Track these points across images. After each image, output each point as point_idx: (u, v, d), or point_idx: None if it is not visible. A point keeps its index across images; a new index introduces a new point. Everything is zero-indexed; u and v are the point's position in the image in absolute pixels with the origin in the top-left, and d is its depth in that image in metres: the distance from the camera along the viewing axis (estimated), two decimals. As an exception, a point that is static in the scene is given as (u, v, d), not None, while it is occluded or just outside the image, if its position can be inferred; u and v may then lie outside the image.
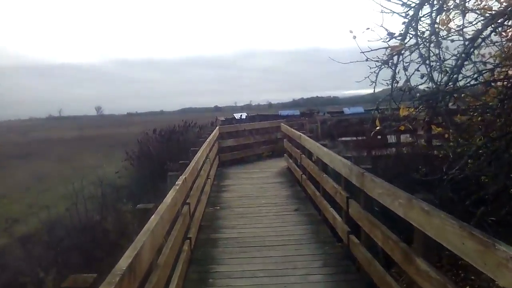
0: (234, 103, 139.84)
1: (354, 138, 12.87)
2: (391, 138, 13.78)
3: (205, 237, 6.08)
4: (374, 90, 6.08)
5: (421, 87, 5.78)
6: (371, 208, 4.29)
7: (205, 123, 17.57)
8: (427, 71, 5.42)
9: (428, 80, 5.15)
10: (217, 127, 12.36)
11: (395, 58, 6.03)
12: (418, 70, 4.98)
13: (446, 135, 9.37)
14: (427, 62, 5.34)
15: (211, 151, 9.58)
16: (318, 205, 7.01)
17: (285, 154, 11.71)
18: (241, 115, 18.93)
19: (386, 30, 5.47)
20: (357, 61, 5.90)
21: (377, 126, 5.78)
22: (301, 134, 8.32)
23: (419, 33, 5.62)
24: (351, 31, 5.58)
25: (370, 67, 6.01)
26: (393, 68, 5.99)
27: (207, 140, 8.32)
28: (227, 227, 6.56)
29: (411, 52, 5.58)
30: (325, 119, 13.07)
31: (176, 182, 4.26)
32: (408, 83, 4.99)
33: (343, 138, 12.51)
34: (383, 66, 5.84)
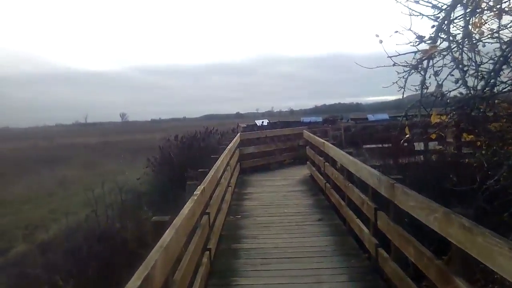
0: (255, 110, 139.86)
1: (380, 146, 12.52)
2: (419, 146, 13.39)
3: (225, 248, 5.88)
4: (402, 96, 5.85)
5: (453, 92, 5.50)
6: (401, 221, 4.03)
7: (227, 130, 17.48)
8: (461, 75, 5.14)
9: (461, 85, 4.87)
10: (238, 134, 12.20)
11: (425, 62, 5.77)
12: (452, 75, 4.70)
13: (479, 143, 8.99)
14: (460, 66, 5.06)
15: (231, 159, 9.42)
16: (343, 215, 6.74)
17: (307, 162, 11.46)
18: (262, 122, 18.75)
19: (415, 33, 5.24)
20: (384, 66, 5.68)
21: (406, 134, 5.52)
22: (325, 141, 8.08)
23: (451, 37, 5.34)
24: (377, 35, 5.36)
25: (398, 72, 5.79)
26: (422, 73, 5.75)
27: (228, 147, 8.15)
28: (249, 237, 6.35)
29: (443, 56, 5.31)
30: (349, 125, 12.77)
31: (194, 192, 4.08)
32: (440, 89, 4.71)
33: (368, 146, 12.18)
34: (412, 71, 5.60)
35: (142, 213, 8.68)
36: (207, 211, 4.83)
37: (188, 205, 3.53)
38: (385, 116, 24.04)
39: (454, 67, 5.27)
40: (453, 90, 4.99)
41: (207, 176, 5.04)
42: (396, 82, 5.70)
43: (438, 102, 5.43)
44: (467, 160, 8.86)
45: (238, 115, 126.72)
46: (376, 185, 4.54)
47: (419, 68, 5.80)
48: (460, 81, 4.62)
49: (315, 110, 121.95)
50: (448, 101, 5.39)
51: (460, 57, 5.04)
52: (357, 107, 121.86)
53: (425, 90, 5.66)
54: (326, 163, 8.23)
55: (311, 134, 10.13)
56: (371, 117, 23.88)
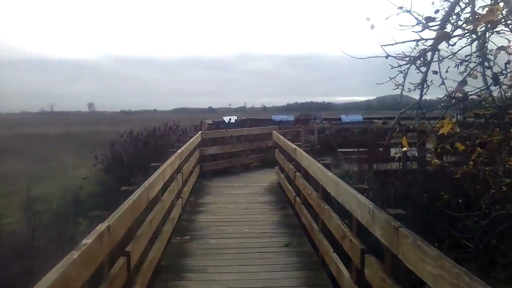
0: (228, 105, 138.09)
1: (356, 150, 11.32)
2: (398, 151, 12.26)
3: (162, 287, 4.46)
4: (401, 96, 4.59)
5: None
6: (406, 282, 2.71)
7: (193, 125, 15.88)
8: (481, 72, 3.87)
9: (487, 87, 3.60)
10: (199, 133, 10.74)
11: (429, 54, 4.51)
12: (479, 71, 3.41)
13: (474, 155, 7.86)
14: (486, 63, 3.79)
15: (187, 162, 7.96)
16: (315, 241, 5.42)
17: (276, 167, 10.11)
18: (230, 119, 17.30)
19: (416, 19, 3.96)
20: (378, 56, 4.48)
21: (404, 147, 4.21)
22: (296, 147, 6.73)
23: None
24: (368, 19, 4.03)
25: (392, 67, 4.55)
26: (420, 69, 4.51)
27: (179, 150, 6.69)
28: (194, 270, 4.92)
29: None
30: (323, 127, 11.50)
31: (97, 229, 2.64)
32: (462, 89, 3.41)
33: (343, 150, 10.95)
34: (416, 62, 4.35)
35: (71, 226, 7.12)
36: (127, 249, 3.39)
37: (86, 250, 2.10)
38: (358, 117, 23.03)
39: (471, 61, 4.03)
40: (475, 92, 3.71)
41: (131, 198, 3.58)
42: (394, 77, 4.47)
43: (444, 106, 4.23)
44: (457, 174, 7.72)
45: (210, 110, 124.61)
46: (367, 222, 3.21)
47: (419, 62, 4.56)
48: (490, 80, 3.33)
49: (288, 108, 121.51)
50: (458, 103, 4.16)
51: (485, 49, 3.78)
52: (328, 107, 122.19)
53: (426, 89, 4.47)
54: (297, 173, 6.89)
55: (281, 137, 8.78)
56: (344, 118, 22.74)
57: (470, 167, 7.26)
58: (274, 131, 10.06)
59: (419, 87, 4.59)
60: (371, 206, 3.15)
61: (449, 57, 4.90)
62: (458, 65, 4.32)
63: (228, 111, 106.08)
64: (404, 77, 4.62)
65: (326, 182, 4.57)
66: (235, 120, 17.06)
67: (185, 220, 6.90)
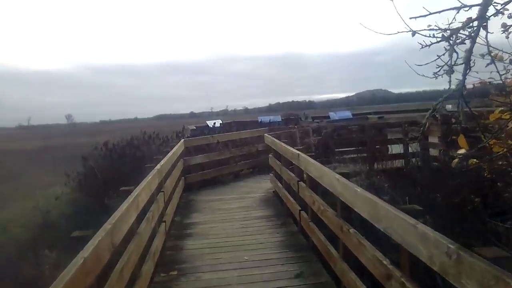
0: (210, 109, 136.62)
1: (356, 149, 10.27)
2: (396, 148, 11.28)
3: None
4: (449, 84, 3.56)
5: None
6: None
7: (174, 132, 14.57)
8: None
9: None
10: (182, 141, 9.56)
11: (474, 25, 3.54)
12: None
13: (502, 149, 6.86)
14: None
15: (169, 176, 6.79)
16: (334, 271, 4.32)
17: (271, 173, 8.99)
18: (214, 123, 16.09)
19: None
20: (403, 31, 3.46)
21: (462, 147, 3.15)
22: (300, 152, 5.61)
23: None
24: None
25: (422, 45, 3.54)
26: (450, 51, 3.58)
27: (158, 166, 5.48)
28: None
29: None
30: (319, 127, 10.43)
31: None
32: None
33: (343, 149, 9.91)
34: (449, 40, 3.39)
35: (32, 264, 5.89)
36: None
37: None
38: (347, 113, 22.05)
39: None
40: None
41: (71, 265, 2.40)
42: (439, 57, 3.47)
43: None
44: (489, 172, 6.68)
45: (192, 115, 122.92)
46: (443, 267, 2.10)
47: (464, 38, 3.59)
48: None
49: (270, 108, 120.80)
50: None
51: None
52: (309, 105, 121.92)
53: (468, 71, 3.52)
54: (301, 183, 5.78)
55: (276, 140, 7.65)
56: (333, 115, 21.68)
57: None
58: (266, 134, 8.95)
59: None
60: (452, 247, 2.04)
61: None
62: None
63: (211, 115, 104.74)
64: (450, 56, 3.59)
65: (353, 200, 3.46)
66: (220, 124, 15.88)
67: (171, 248, 5.72)
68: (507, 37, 3.88)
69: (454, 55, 3.89)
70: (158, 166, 5.39)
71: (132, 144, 12.02)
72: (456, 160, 3.75)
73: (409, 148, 10.87)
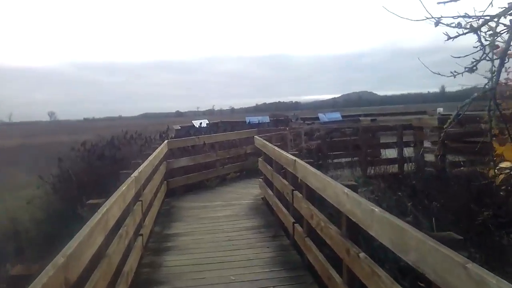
0: (196, 108, 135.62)
1: (347, 153, 9.72)
2: (391, 152, 10.75)
3: None
4: (492, 81, 3.03)
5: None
6: None
7: (158, 133, 13.83)
8: None
9: None
10: (165, 142, 8.89)
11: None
12: None
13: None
14: None
15: (150, 182, 6.13)
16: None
17: (260, 179, 8.38)
18: (201, 123, 15.45)
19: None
20: (429, 18, 2.87)
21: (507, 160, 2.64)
22: (296, 159, 5.00)
23: None
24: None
25: (449, 36, 3.00)
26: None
27: (135, 173, 4.80)
28: None
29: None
30: (312, 129, 9.86)
31: None
32: None
33: (337, 152, 9.35)
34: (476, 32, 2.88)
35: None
36: None
37: None
38: (337, 115, 21.61)
39: None
40: None
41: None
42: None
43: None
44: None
45: (178, 114, 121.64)
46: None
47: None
48: None
49: (256, 109, 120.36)
50: None
51: None
52: (296, 106, 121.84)
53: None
54: (297, 193, 5.18)
55: (268, 144, 7.02)
56: (323, 116, 21.19)
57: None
58: (256, 136, 8.33)
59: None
60: None
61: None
62: None
63: (197, 114, 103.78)
64: (483, 50, 3.07)
65: (368, 222, 2.85)
66: (207, 124, 15.24)
67: (148, 265, 5.06)
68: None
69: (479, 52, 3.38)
70: (135, 173, 4.73)
71: (113, 145, 11.31)
72: (502, 175, 3.19)
73: (404, 153, 10.38)
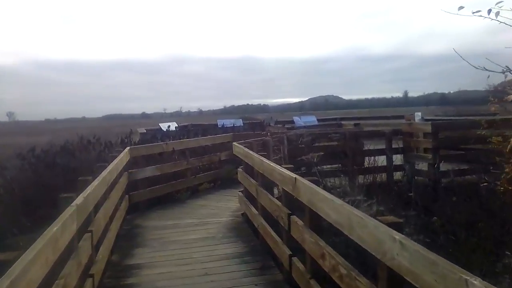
0: (163, 110, 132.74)
1: (337, 164, 8.68)
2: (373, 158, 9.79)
3: None
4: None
5: None
6: None
7: (120, 138, 12.28)
8: None
9: None
10: (127, 149, 7.57)
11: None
12: None
13: None
14: None
15: (105, 201, 4.84)
16: None
17: (239, 192, 7.20)
18: (169, 126, 14.10)
19: None
20: None
21: None
22: (296, 177, 3.83)
23: None
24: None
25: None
26: None
27: (79, 199, 3.45)
28: None
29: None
30: (296, 133, 8.73)
31: None
32: None
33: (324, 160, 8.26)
34: None
35: None
36: None
37: None
38: (313, 119, 20.63)
39: None
40: None
41: None
42: None
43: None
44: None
45: (144, 115, 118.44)
46: None
47: None
48: None
49: (224, 111, 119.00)
50: None
51: None
52: (264, 109, 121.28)
53: None
54: (295, 219, 4.02)
55: (253, 154, 5.77)
56: (298, 120, 20.17)
57: None
58: (235, 143, 7.12)
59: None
60: None
61: None
62: None
63: (164, 116, 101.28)
64: None
65: (416, 275, 1.73)
66: (176, 127, 13.91)
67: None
68: None
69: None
70: (79, 199, 3.42)
71: (67, 151, 9.84)
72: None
73: (392, 160, 9.47)
